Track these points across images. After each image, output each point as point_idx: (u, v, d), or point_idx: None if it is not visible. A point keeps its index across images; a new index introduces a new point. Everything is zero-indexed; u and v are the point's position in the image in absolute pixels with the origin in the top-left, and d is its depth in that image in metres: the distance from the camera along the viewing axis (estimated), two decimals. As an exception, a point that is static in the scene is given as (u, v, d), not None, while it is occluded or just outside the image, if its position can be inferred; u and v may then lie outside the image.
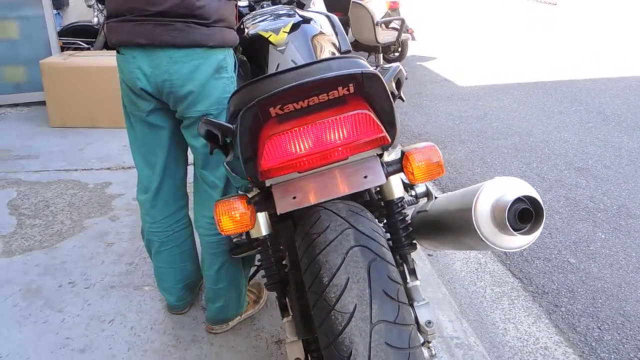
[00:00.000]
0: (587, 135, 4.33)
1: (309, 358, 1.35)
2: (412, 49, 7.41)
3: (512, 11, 12.89)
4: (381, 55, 6.47)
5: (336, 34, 1.92)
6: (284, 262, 1.40)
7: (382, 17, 6.29)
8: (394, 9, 6.54)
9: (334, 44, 1.86)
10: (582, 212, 3.06)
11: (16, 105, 4.78)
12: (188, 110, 1.59)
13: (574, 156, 3.89)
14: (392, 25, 6.37)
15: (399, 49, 6.86)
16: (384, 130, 1.10)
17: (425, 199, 1.44)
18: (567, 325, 2.19)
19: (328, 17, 1.97)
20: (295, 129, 1.06)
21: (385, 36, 6.12)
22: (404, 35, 6.27)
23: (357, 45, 6.40)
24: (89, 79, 4.10)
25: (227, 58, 1.61)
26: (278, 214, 1.16)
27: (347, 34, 3.61)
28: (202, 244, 1.82)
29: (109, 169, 3.43)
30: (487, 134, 4.47)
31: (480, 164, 3.84)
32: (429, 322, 1.22)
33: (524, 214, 1.02)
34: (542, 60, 7.23)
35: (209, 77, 1.55)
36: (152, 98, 1.62)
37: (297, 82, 1.05)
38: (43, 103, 4.37)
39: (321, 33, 1.81)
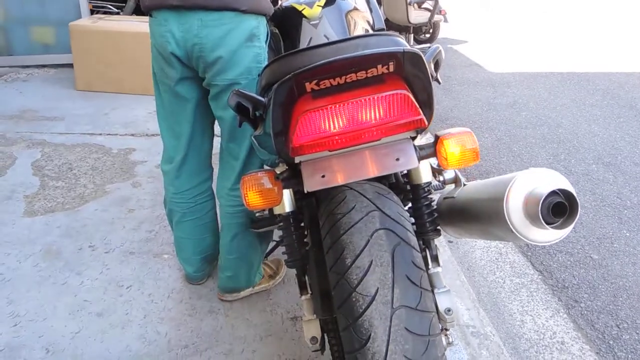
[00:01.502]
0: (617, 130, 4.22)
1: (326, 337, 1.34)
2: (444, 31, 7.26)
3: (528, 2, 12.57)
4: (412, 35, 6.36)
5: (370, 10, 1.88)
6: (305, 240, 1.38)
7: (416, -3, 6.17)
8: (427, -12, 6.41)
9: (367, 21, 1.82)
10: (607, 208, 2.99)
11: (43, 66, 4.81)
12: (216, 78, 1.57)
13: (603, 150, 3.80)
14: (424, 5, 6.23)
15: (431, 30, 6.73)
16: (421, 113, 1.07)
17: (453, 185, 1.41)
18: (586, 321, 2.15)
19: (363, -8, 1.92)
20: (331, 106, 1.04)
21: (417, 16, 6.01)
22: (436, 17, 6.15)
23: (388, 25, 6.29)
24: (117, 44, 4.10)
25: (260, 26, 1.57)
26: (305, 192, 1.14)
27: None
28: (221, 212, 1.84)
29: (133, 135, 3.45)
30: (515, 122, 4.38)
31: (506, 152, 3.77)
32: (449, 310, 1.20)
33: (558, 208, 0.98)
34: (576, 50, 7.05)
35: (240, 44, 1.52)
36: (181, 65, 1.60)
37: (337, 57, 1.02)
38: (70, 65, 4.38)
39: (355, 9, 1.77)
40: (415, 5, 6.08)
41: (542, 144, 3.91)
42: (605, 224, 2.84)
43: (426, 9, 6.20)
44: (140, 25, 4.11)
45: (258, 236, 1.86)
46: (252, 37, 1.54)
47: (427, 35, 6.81)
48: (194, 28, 1.49)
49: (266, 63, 1.53)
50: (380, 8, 6.57)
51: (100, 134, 3.42)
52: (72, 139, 3.31)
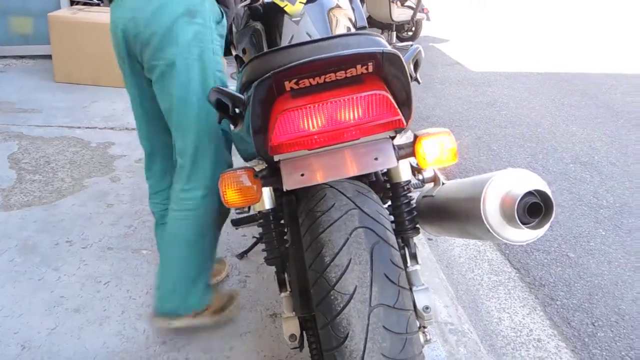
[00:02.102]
0: (595, 130, 4.29)
1: (305, 335, 1.35)
2: (426, 30, 7.30)
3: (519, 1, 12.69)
4: (394, 33, 6.39)
5: (353, 9, 1.88)
6: (285, 237, 1.38)
7: (398, -5, 6.19)
8: (410, -14, 6.44)
9: (350, 19, 1.82)
10: (584, 207, 3.04)
11: (22, 57, 4.73)
12: (153, 57, 1.47)
13: (581, 150, 3.85)
14: (407, 3, 6.26)
15: (413, 28, 6.77)
16: (400, 113, 1.08)
17: (432, 184, 1.42)
18: (562, 319, 2.19)
19: (345, -10, 1.92)
20: (309, 105, 1.04)
21: (400, 14, 6.03)
22: (419, 15, 6.18)
23: (371, 22, 6.31)
24: (97, 35, 4.05)
25: (204, 3, 1.48)
26: (284, 190, 1.14)
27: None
28: (169, 218, 1.65)
29: (112, 128, 3.41)
30: (495, 121, 4.42)
31: (486, 151, 3.81)
32: (427, 308, 1.21)
33: (534, 208, 1.00)
34: (555, 51, 7.14)
35: (176, 19, 1.43)
36: (126, 54, 1.55)
37: (316, 57, 1.02)
38: (49, 57, 4.32)
39: (338, 6, 1.77)
40: (398, 3, 6.11)
41: (521, 143, 3.96)
42: (581, 222, 2.89)
43: (409, 6, 6.23)
44: (121, 17, 4.06)
45: (204, 251, 1.68)
46: (191, 13, 1.45)
47: (410, 33, 6.84)
48: (129, 2, 1.45)
49: (214, 44, 1.51)
50: (363, 5, 6.59)
51: (79, 127, 3.37)
52: (50, 132, 3.26)
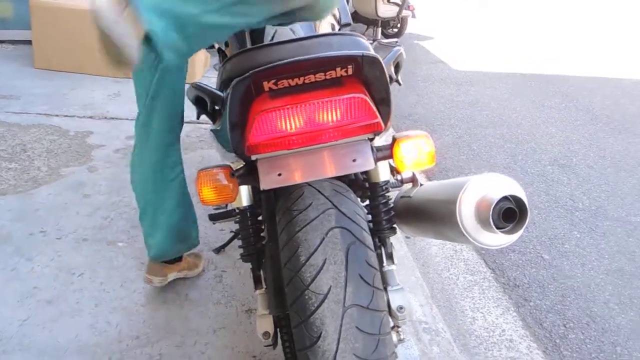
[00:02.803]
0: (573, 132, 4.34)
1: (278, 333, 1.35)
2: (411, 27, 7.32)
3: (513, 0, 12.79)
4: (380, 29, 6.39)
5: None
6: (262, 234, 1.38)
7: (385, -9, 6.19)
8: (397, -17, 6.44)
9: (334, 16, 1.81)
10: (560, 210, 3.08)
11: (1, 42, 4.64)
12: None
13: (559, 152, 3.90)
14: (393, 0, 6.27)
15: (398, 25, 6.78)
16: (379, 117, 1.08)
17: (410, 184, 1.43)
18: (534, 320, 2.22)
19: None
20: (288, 107, 1.03)
21: (385, 10, 6.04)
22: (404, 12, 6.20)
23: (356, 17, 6.31)
24: (80, 22, 3.98)
25: None
26: (261, 189, 1.14)
27: (347, 3, 3.55)
28: None
29: (91, 117, 3.36)
30: (476, 121, 4.46)
31: (466, 150, 3.84)
32: (401, 308, 1.22)
33: (508, 213, 1.01)
34: (539, 52, 7.21)
35: None
36: None
37: (294, 59, 1.02)
38: (29, 42, 4.24)
39: (322, 3, 1.76)
40: (384, -1, 6.11)
41: (500, 144, 3.99)
42: (557, 224, 2.93)
43: (395, 3, 6.24)
44: (103, 4, 3.99)
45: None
46: None
47: (395, 30, 6.86)
48: None
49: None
50: (348, 2, 6.57)
51: (57, 115, 3.32)
52: (28, 119, 3.21)
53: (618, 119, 4.74)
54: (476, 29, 8.57)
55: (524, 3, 12.32)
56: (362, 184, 1.42)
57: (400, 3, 6.12)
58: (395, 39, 6.74)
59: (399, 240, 2.46)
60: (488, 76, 5.82)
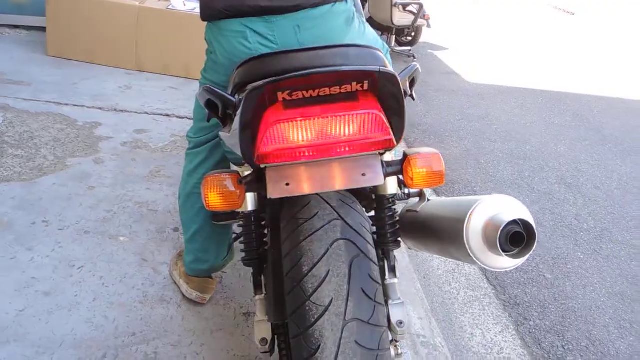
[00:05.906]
0: (582, 152, 4.32)
1: (276, 340, 1.33)
2: (426, 36, 7.30)
3: (530, 16, 12.76)
4: (394, 37, 6.38)
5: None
6: (265, 240, 1.37)
7: (402, -1, 6.18)
8: (414, -8, 6.43)
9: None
10: (565, 229, 3.06)
11: (16, 27, 4.64)
12: None
13: (567, 172, 3.88)
14: (409, 8, 6.25)
15: (413, 34, 6.75)
16: (392, 133, 1.07)
17: (417, 199, 1.42)
18: (533, 339, 2.20)
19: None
20: (300, 119, 1.02)
21: (401, 18, 6.02)
22: (420, 21, 6.17)
23: (372, 23, 6.28)
24: (95, 12, 3.99)
25: None
26: (268, 198, 1.12)
27: (363, 8, 3.52)
28: None
29: (100, 108, 3.36)
30: (485, 135, 4.44)
31: (474, 164, 3.82)
32: (401, 323, 1.21)
33: (516, 237, 0.99)
34: (551, 69, 7.18)
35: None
36: None
37: (310, 71, 1.00)
38: (43, 29, 4.24)
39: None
40: (401, 7, 6.09)
41: (508, 159, 3.97)
42: (561, 244, 2.90)
43: (410, 11, 6.22)
44: (119, -5, 4.01)
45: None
46: None
47: (409, 38, 6.83)
48: None
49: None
50: (364, 7, 6.55)
51: (67, 104, 3.32)
52: (37, 107, 3.21)
53: (627, 141, 4.71)
54: (491, 41, 8.54)
55: (542, 18, 12.29)
56: (368, 195, 1.41)
57: (416, 12, 6.11)
58: (408, 48, 6.72)
59: (400, 251, 2.45)
60: (500, 90, 5.80)
